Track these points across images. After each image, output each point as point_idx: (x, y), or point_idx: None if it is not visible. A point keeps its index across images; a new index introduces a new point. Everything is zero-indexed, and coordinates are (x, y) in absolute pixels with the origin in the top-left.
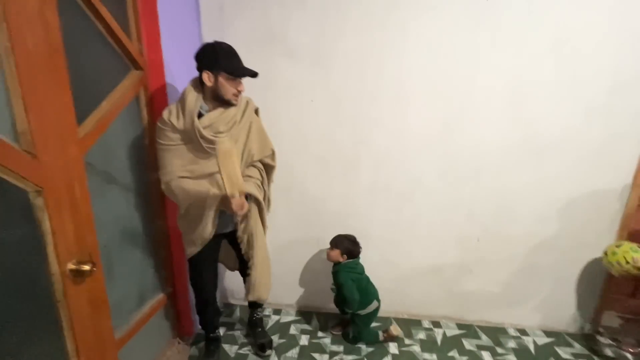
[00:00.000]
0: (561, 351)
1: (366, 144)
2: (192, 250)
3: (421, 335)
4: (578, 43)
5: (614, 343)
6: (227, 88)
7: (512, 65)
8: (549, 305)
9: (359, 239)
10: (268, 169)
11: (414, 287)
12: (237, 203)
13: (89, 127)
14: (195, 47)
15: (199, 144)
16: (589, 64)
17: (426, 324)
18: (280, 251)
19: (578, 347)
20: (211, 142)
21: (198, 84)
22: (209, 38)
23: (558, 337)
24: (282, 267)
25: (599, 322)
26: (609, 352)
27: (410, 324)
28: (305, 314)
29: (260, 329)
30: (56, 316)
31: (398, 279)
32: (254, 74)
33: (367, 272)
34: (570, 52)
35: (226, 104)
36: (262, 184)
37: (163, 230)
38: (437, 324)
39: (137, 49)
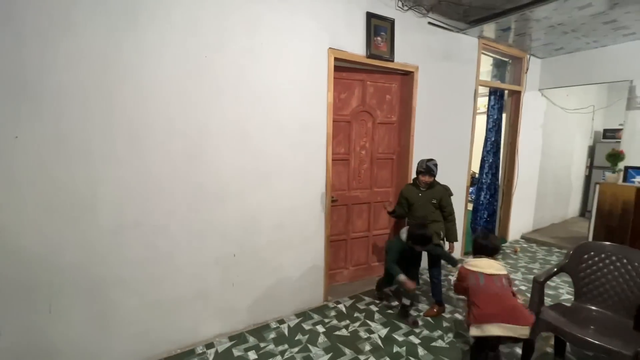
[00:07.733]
0: (305, 325)
1: (103, 183)
2: None
3: None
4: (273, 96)
5: (336, 305)
6: None
7: (236, 109)
8: (295, 293)
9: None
10: None
11: (182, 318)
12: None
13: None
14: None
15: None
16: (284, 111)
17: (199, 349)
18: None
19: (316, 317)
20: None
21: None
22: None
23: (304, 315)
24: None
25: (328, 293)
26: (333, 312)
27: (182, 356)
28: None
29: None
30: None
31: (164, 315)
32: None
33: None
34: (270, 103)
35: None
36: None
37: None
38: (210, 345)
39: None
